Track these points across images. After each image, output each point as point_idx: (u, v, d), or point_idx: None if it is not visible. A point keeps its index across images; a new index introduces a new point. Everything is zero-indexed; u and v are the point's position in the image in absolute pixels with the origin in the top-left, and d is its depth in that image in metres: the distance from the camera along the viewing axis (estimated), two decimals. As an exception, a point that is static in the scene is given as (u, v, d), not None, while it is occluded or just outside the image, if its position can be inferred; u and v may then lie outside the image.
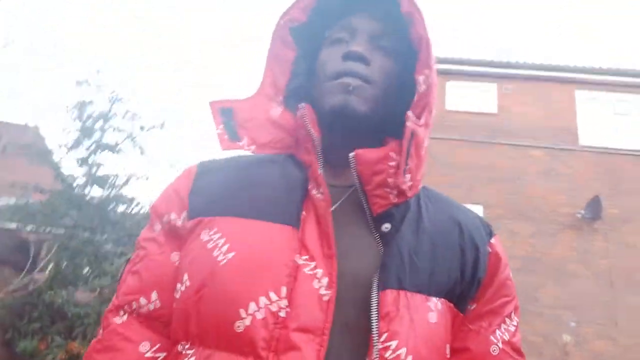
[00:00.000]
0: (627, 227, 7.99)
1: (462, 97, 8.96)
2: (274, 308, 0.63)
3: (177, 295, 0.70)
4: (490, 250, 0.78)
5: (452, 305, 0.73)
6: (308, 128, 0.73)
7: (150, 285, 0.73)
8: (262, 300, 0.63)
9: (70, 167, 6.50)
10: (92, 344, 0.73)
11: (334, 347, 0.64)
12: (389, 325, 0.66)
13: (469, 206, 0.87)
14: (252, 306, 0.64)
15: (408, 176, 0.70)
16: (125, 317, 0.73)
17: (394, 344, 0.65)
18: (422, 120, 0.70)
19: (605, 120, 8.89)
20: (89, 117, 5.48)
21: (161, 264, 0.74)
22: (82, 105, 5.50)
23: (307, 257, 0.67)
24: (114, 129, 5.58)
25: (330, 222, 0.69)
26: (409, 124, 0.70)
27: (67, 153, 5.50)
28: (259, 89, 0.78)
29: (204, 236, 0.70)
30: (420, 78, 0.71)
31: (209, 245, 0.69)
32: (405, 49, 0.75)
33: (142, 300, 0.73)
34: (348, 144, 0.74)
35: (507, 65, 9.13)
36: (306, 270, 0.66)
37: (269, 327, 0.63)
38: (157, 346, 0.71)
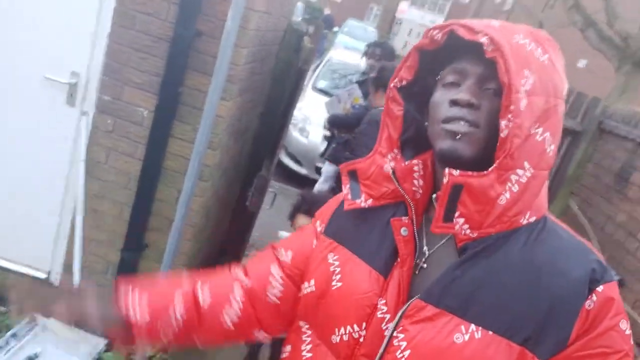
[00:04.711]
0: None
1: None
2: (355, 335, 0.82)
3: (305, 292, 0.91)
4: (594, 300, 0.72)
5: (510, 343, 0.71)
6: (399, 188, 0.84)
7: (290, 246, 0.99)
8: (348, 328, 0.83)
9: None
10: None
11: None
12: (406, 323, 0.76)
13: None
14: (342, 330, 0.83)
15: (461, 220, 0.74)
16: (276, 250, 1.01)
17: (401, 336, 0.76)
18: (494, 167, 0.72)
19: None
20: None
21: (305, 241, 0.97)
22: None
23: (384, 302, 0.80)
24: None
25: (408, 274, 0.80)
26: (445, 179, 0.74)
27: None
28: (375, 147, 0.88)
29: (330, 258, 0.89)
30: (502, 122, 0.72)
31: (331, 269, 0.88)
32: None
33: (282, 251, 0.99)
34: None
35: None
36: (379, 314, 0.80)
37: (350, 347, 0.82)
38: (281, 274, 0.96)
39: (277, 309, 0.94)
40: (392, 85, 0.86)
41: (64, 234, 2.47)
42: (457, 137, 0.75)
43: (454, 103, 0.76)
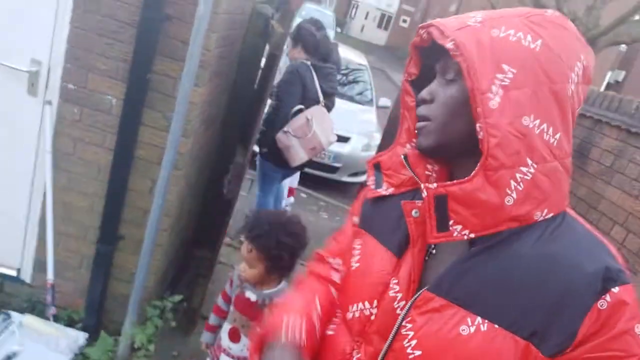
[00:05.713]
0: None
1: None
2: (366, 312, 0.85)
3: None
4: (607, 300, 0.69)
5: (516, 337, 0.71)
6: (411, 172, 0.87)
7: (338, 253, 1.04)
8: (360, 305, 0.87)
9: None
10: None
11: None
12: (414, 314, 0.78)
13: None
14: (355, 307, 0.87)
15: (458, 227, 0.73)
16: (326, 260, 1.07)
17: (408, 326, 0.78)
18: (477, 169, 0.71)
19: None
20: None
21: (347, 241, 1.01)
22: None
23: (396, 281, 0.83)
24: None
25: (420, 256, 0.82)
26: (424, 192, 0.76)
27: None
28: (396, 138, 0.92)
29: (356, 243, 0.95)
30: (477, 125, 0.71)
31: (354, 252, 0.94)
32: None
33: (331, 259, 1.04)
34: (454, 172, 0.84)
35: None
36: (391, 292, 0.83)
37: (361, 324, 0.86)
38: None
39: None
40: (403, 79, 0.91)
41: (32, 230, 2.38)
42: (418, 132, 0.82)
43: (418, 102, 0.83)
